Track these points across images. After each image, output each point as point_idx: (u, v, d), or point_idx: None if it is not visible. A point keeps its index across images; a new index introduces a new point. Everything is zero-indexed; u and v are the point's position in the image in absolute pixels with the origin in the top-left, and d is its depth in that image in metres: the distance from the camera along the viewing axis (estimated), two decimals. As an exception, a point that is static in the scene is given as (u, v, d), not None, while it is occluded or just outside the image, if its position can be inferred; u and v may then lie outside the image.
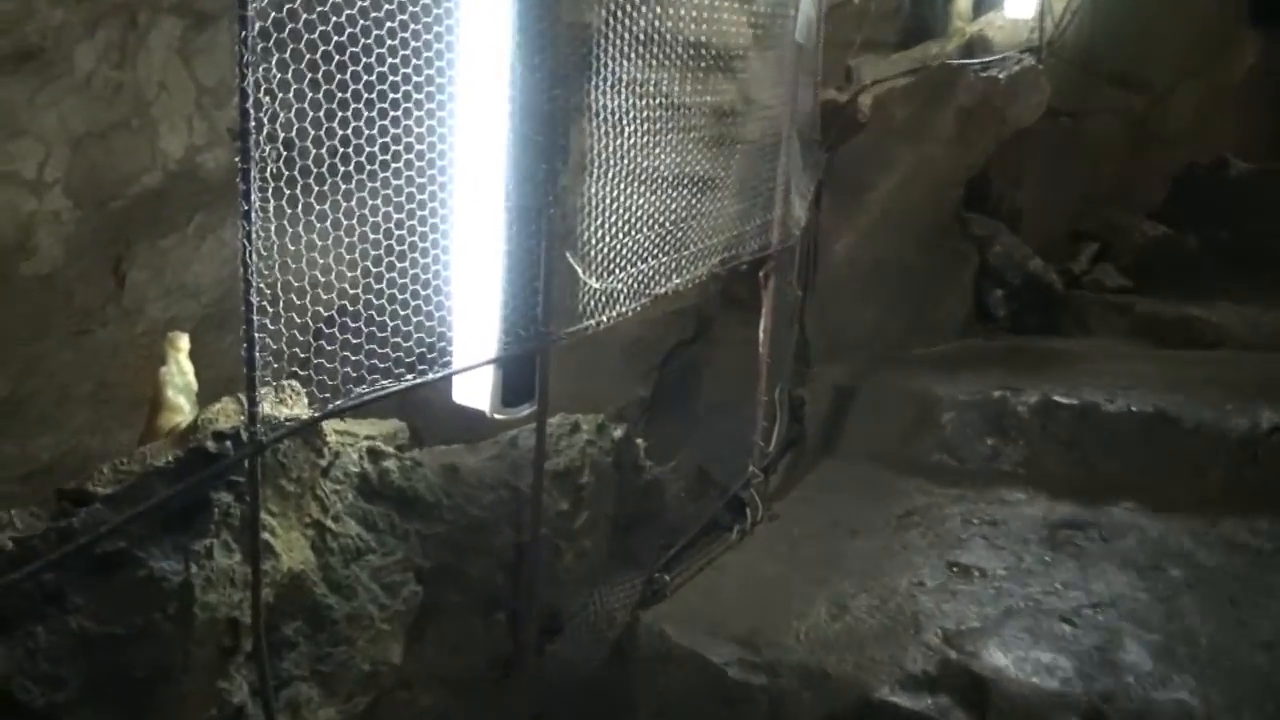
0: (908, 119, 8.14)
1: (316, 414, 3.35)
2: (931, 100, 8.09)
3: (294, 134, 3.51)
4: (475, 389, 3.93)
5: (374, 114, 3.49)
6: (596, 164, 4.16)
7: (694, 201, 5.01)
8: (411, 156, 3.51)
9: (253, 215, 2.99)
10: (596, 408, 9.13)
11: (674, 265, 4.86)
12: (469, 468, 4.33)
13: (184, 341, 4.06)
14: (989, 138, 8.32)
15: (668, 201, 4.70)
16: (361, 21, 3.45)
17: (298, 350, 3.57)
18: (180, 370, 4.01)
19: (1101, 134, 8.97)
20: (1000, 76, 8.11)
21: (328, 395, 3.54)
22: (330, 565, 3.75)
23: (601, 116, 4.15)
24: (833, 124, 8.05)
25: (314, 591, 3.65)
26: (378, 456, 3.94)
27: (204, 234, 6.99)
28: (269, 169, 3.32)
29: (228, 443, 3.30)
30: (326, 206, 3.52)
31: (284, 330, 3.34)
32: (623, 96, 4.32)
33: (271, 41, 3.07)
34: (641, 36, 4.48)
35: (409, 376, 3.48)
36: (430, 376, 3.60)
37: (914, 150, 8.27)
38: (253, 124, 3.01)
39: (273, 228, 3.47)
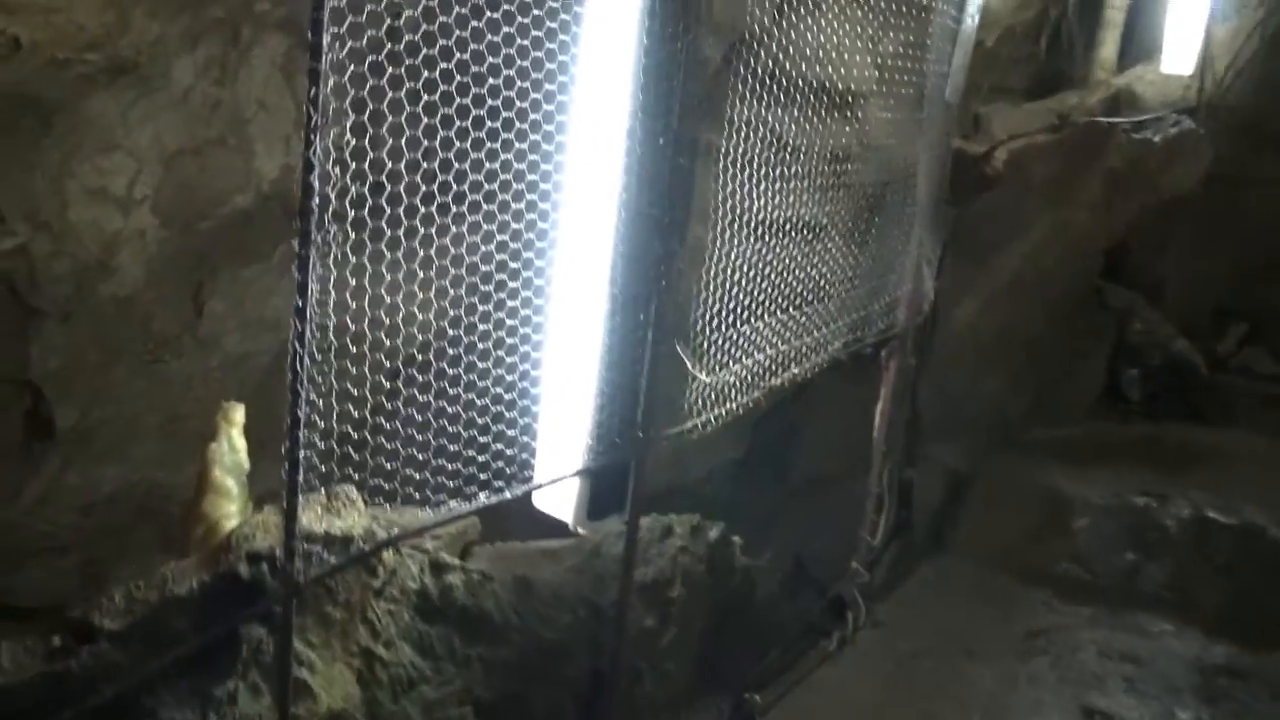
0: (1048, 179, 7.30)
1: (366, 547, 2.76)
2: (1076, 160, 7.24)
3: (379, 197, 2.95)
4: (559, 497, 3.29)
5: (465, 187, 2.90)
6: (718, 243, 3.50)
7: (820, 279, 4.29)
8: (506, 238, 2.90)
9: (308, 306, 2.42)
10: (684, 471, 8.46)
11: (793, 353, 4.16)
12: (544, 582, 3.71)
13: (238, 414, 3.52)
14: (1136, 204, 7.42)
15: (793, 283, 4.01)
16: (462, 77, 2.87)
17: (351, 446, 3.01)
18: (232, 447, 3.47)
19: (1260, 204, 7.95)
20: (1155, 139, 7.21)
21: (382, 500, 2.95)
22: (377, 700, 3.17)
23: (728, 182, 3.50)
24: (962, 179, 7.23)
25: None
26: (441, 570, 3.35)
27: (287, 266, 6.48)
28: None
29: (263, 566, 2.73)
30: (394, 287, 2.94)
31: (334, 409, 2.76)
32: (751, 155, 3.64)
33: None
34: (770, 83, 3.79)
35: (482, 494, 2.86)
36: (508, 493, 2.99)
37: (1052, 213, 7.42)
38: (316, 200, 2.43)
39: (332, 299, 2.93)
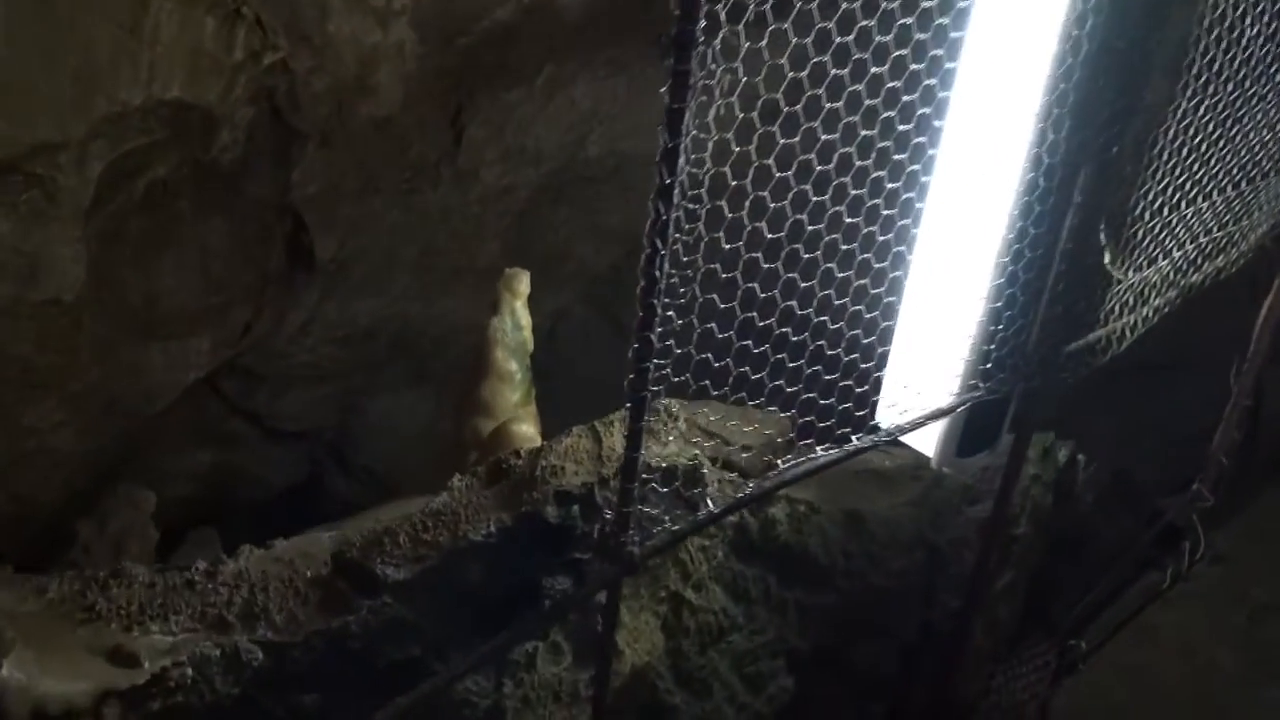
0: None
1: (708, 497, 2.04)
2: None
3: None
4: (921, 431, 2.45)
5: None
6: (1188, 95, 2.44)
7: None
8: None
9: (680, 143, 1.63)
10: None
11: (1224, 240, 3.06)
12: (878, 517, 2.93)
13: (523, 283, 2.86)
14: None
15: (1255, 149, 2.89)
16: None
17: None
18: (515, 324, 2.83)
19: None
20: None
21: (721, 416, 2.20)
22: (682, 652, 2.55)
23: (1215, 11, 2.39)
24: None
25: (657, 687, 2.47)
26: (763, 500, 2.60)
27: (552, 90, 5.79)
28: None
29: (574, 509, 2.07)
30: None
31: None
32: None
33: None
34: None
35: (853, 433, 2.07)
36: (880, 436, 2.17)
37: None
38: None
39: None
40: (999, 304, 2.43)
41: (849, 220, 2.07)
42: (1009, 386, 2.45)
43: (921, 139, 2.08)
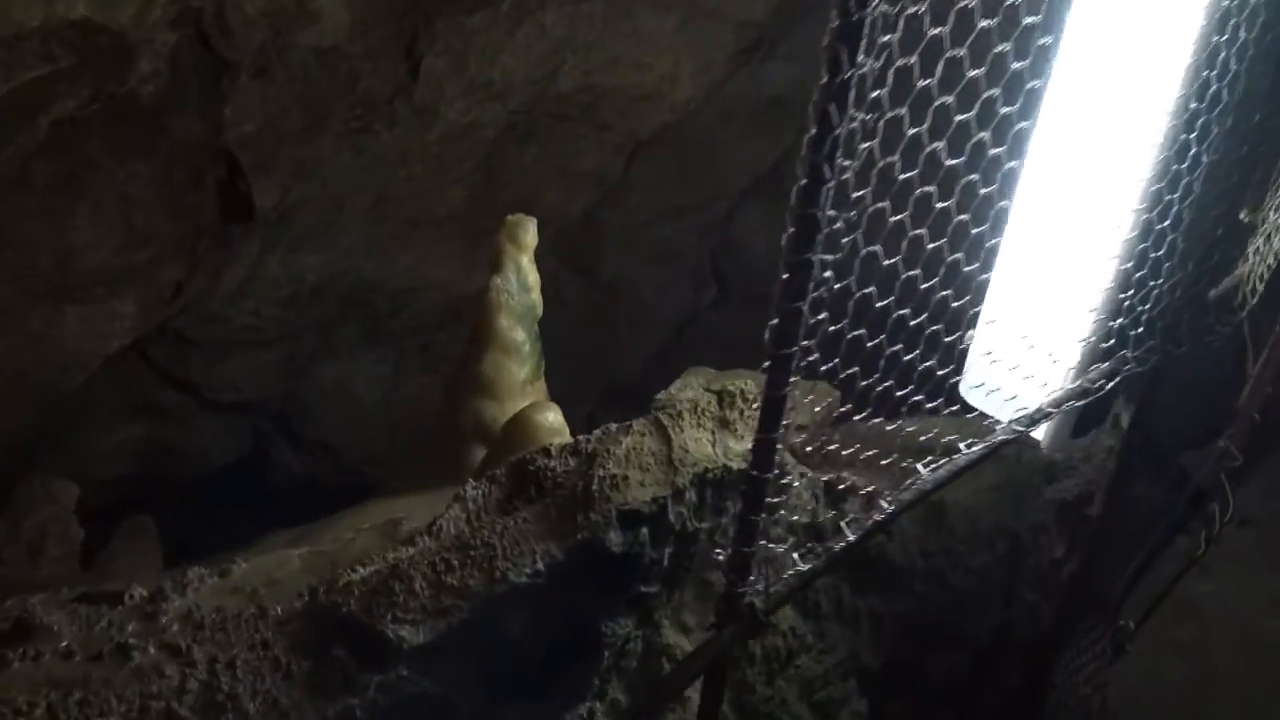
0: None
1: (851, 536, 1.54)
2: None
3: None
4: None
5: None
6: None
7: None
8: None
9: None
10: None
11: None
12: (960, 508, 2.48)
13: (530, 233, 2.31)
14: None
15: None
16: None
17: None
18: (521, 283, 2.30)
19: None
20: None
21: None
22: (747, 683, 2.09)
23: None
24: None
25: None
26: (838, 495, 2.12)
27: (520, 15, 5.10)
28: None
29: (643, 533, 1.54)
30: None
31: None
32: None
33: None
34: None
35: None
36: (1020, 423, 1.71)
37: None
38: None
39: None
40: (1137, 269, 1.96)
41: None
42: (1159, 354, 1.99)
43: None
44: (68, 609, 2.02)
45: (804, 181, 1.22)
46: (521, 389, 2.38)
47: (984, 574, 2.54)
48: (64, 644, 1.76)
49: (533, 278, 2.42)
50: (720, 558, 1.46)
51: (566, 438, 2.08)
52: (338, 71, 4.77)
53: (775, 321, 1.26)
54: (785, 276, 1.28)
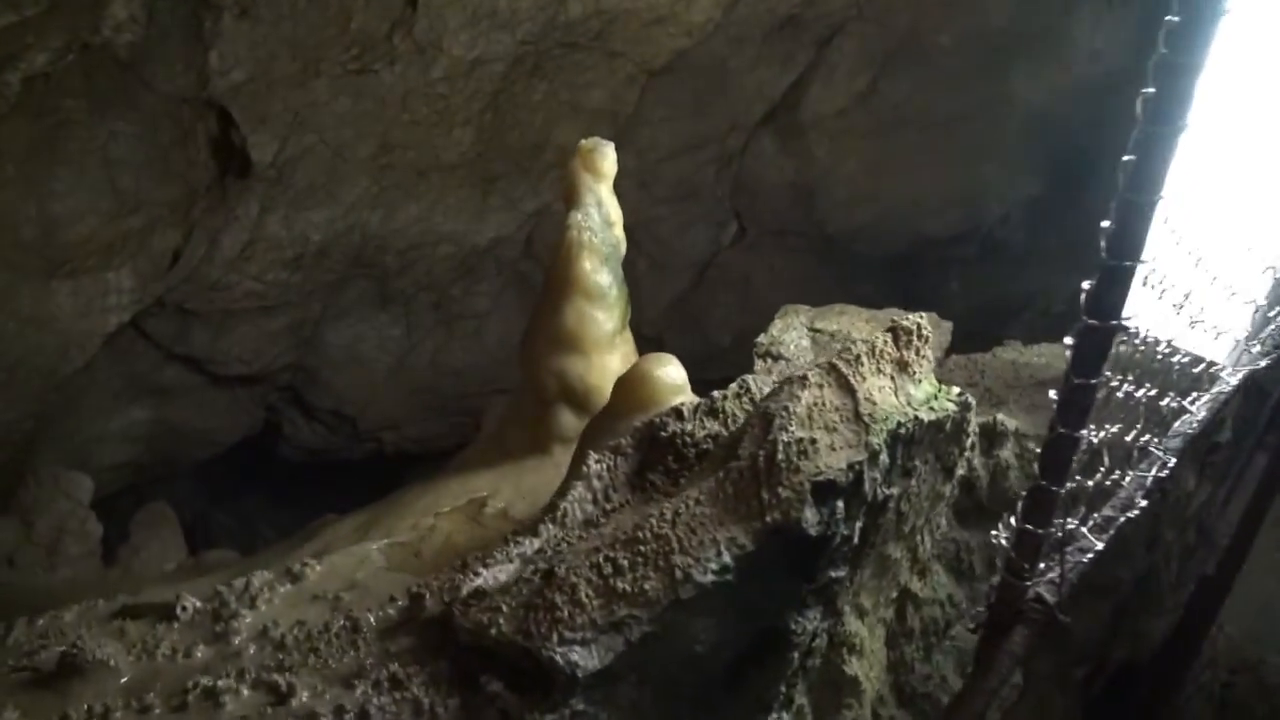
0: None
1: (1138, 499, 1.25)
2: None
3: None
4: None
5: None
6: None
7: None
8: None
9: None
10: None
11: None
12: (1106, 442, 2.17)
13: (608, 160, 1.94)
14: None
15: None
16: None
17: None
18: (604, 218, 1.93)
19: None
20: None
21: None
22: (905, 662, 1.80)
23: None
24: None
25: (880, 716, 1.69)
26: (994, 440, 1.81)
27: (528, -67, 4.62)
28: None
29: (836, 507, 1.23)
30: None
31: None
32: None
33: None
34: None
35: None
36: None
37: None
38: None
39: None
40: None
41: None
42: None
43: None
44: (113, 630, 1.70)
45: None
46: (610, 341, 2.05)
47: (1135, 518, 2.26)
48: (124, 680, 1.44)
49: (615, 212, 2.07)
50: (1002, 541, 1.16)
51: (690, 395, 1.76)
52: (328, 7, 4.34)
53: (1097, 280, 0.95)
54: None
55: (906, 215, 6.41)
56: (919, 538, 1.70)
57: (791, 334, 1.96)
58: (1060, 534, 1.13)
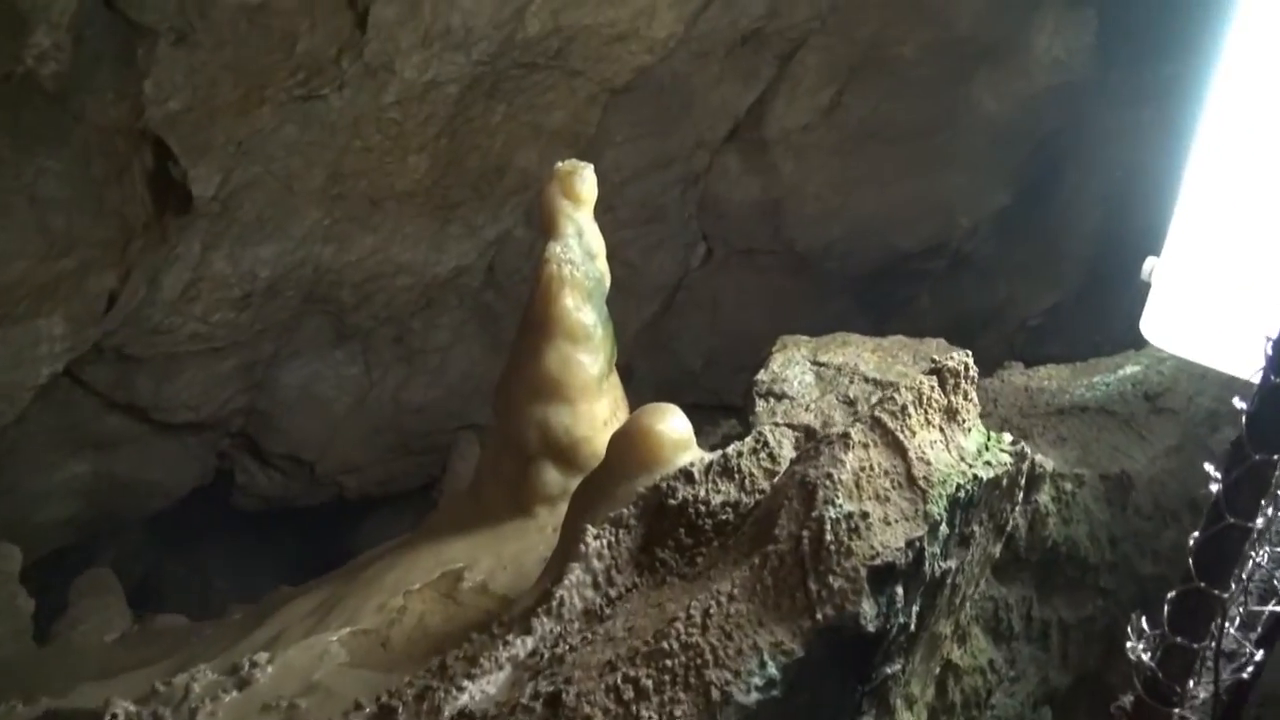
0: None
1: None
2: None
3: None
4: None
5: None
6: None
7: None
8: None
9: None
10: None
11: None
12: (1143, 480, 1.99)
13: (587, 184, 1.72)
14: None
15: None
16: None
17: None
18: (585, 249, 1.71)
19: None
20: None
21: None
22: (949, 737, 1.55)
23: None
24: None
25: None
26: (1034, 482, 1.61)
27: (480, -51, 4.39)
28: None
29: (896, 594, 1.01)
30: None
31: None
32: None
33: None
34: None
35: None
36: None
37: None
38: None
39: None
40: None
41: None
42: None
43: None
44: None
45: None
46: (597, 385, 1.81)
47: (1172, 556, 2.07)
48: None
49: (597, 241, 1.85)
50: (1139, 656, 0.94)
51: (697, 450, 1.53)
52: (271, 31, 4.08)
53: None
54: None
55: (876, 230, 6.28)
56: (965, 605, 1.49)
57: (794, 369, 1.75)
58: (1218, 647, 0.92)
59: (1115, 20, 5.94)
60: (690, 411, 1.58)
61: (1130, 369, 2.36)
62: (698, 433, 1.65)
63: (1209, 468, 0.94)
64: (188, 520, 5.36)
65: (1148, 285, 1.90)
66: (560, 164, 1.91)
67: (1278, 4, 1.61)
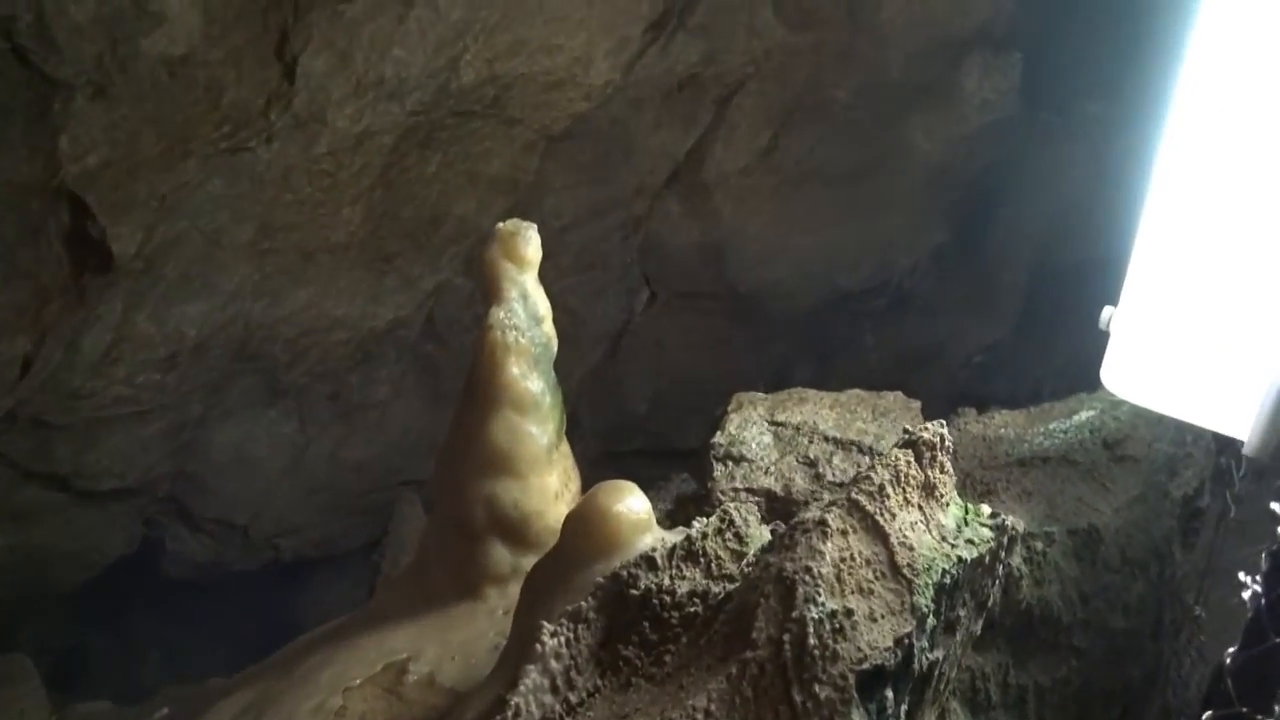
0: None
1: None
2: None
3: None
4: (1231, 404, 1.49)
5: None
6: None
7: None
8: None
9: None
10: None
11: None
12: (1110, 532, 1.95)
13: (531, 245, 1.63)
14: None
15: None
16: None
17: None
18: (531, 313, 1.62)
19: None
20: None
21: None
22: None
23: None
24: None
25: None
26: (1009, 547, 1.54)
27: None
28: None
29: (885, 698, 0.93)
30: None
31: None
32: None
33: None
34: None
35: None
36: None
37: None
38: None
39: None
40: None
41: None
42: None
43: None
44: None
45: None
46: (547, 456, 1.70)
47: (1141, 608, 2.02)
48: None
49: (543, 304, 1.75)
50: None
51: (657, 530, 1.43)
52: (196, 83, 3.93)
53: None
54: None
55: (817, 270, 6.29)
56: (948, 688, 1.41)
57: (751, 430, 1.68)
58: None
59: (1042, 62, 6.08)
60: (638, 460, 1.49)
61: (1085, 414, 2.33)
62: (649, 488, 1.56)
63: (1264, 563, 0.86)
64: (114, 592, 5.09)
65: (1106, 334, 1.87)
66: (501, 224, 1.82)
67: (1233, 45, 1.60)
